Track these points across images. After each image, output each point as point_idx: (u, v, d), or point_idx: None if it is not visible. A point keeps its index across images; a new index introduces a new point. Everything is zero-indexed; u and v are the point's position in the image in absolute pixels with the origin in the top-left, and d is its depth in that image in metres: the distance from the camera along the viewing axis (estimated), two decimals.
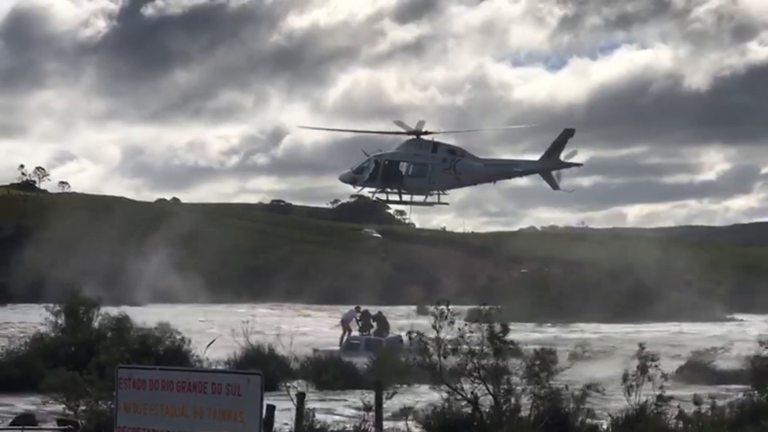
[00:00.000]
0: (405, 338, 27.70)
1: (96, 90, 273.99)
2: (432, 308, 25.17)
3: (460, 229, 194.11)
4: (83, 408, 26.01)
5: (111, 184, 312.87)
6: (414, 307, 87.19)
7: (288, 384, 33.09)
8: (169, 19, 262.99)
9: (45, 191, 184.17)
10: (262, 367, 32.76)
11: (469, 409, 25.26)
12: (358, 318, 61.07)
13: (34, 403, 33.62)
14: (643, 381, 24.18)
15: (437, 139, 55.81)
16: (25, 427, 27.61)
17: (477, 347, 24.98)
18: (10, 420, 30.75)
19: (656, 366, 24.44)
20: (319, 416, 25.59)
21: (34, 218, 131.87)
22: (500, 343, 24.97)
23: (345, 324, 61.66)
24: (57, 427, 26.31)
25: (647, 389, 24.54)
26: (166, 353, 39.57)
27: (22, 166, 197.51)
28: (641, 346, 24.84)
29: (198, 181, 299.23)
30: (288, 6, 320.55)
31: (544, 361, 25.29)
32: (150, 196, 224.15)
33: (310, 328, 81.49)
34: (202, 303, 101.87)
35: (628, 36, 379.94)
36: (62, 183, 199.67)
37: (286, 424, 23.28)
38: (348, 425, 25.64)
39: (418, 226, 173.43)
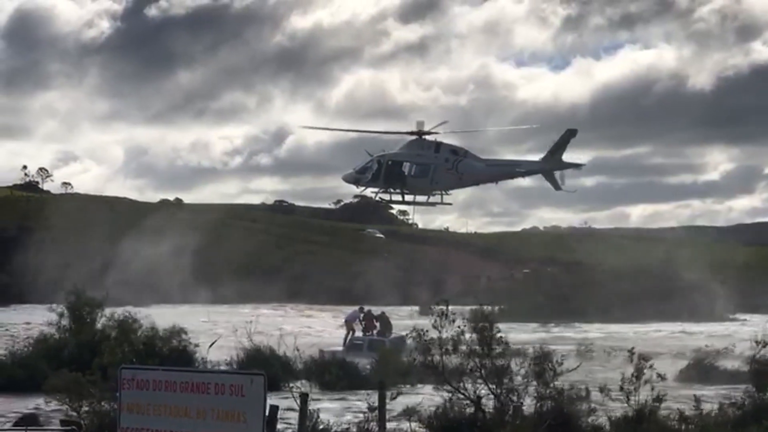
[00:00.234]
0: (409, 339, 27.66)
1: (99, 91, 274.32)
2: (434, 308, 25.20)
3: (463, 230, 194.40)
4: (86, 409, 26.01)
5: (114, 184, 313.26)
6: (417, 308, 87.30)
7: (291, 384, 33.12)
8: (172, 19, 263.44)
9: (48, 192, 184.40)
10: (265, 367, 32.74)
11: (471, 409, 25.27)
12: (361, 318, 61.05)
13: (38, 405, 33.64)
14: (640, 386, 24.14)
15: (440, 139, 55.82)
16: (29, 427, 27.62)
17: (477, 347, 25.02)
18: (14, 421, 30.79)
19: (651, 366, 24.39)
20: (322, 416, 25.56)
21: (36, 219, 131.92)
22: (491, 340, 25.03)
23: (348, 324, 61.64)
24: (60, 427, 26.32)
25: (648, 389, 24.51)
26: (172, 353, 39.61)
27: (25, 167, 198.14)
28: (630, 351, 24.78)
29: (201, 182, 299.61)
30: (291, 6, 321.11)
31: (546, 360, 25.27)
32: (153, 196, 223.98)
33: (313, 329, 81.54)
34: (204, 303, 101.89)
35: (631, 36, 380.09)
36: (65, 184, 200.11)
37: (291, 423, 23.29)
38: (352, 427, 25.60)
39: (421, 226, 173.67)
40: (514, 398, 25.01)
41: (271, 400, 16.57)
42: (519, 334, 64.63)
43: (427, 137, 55.45)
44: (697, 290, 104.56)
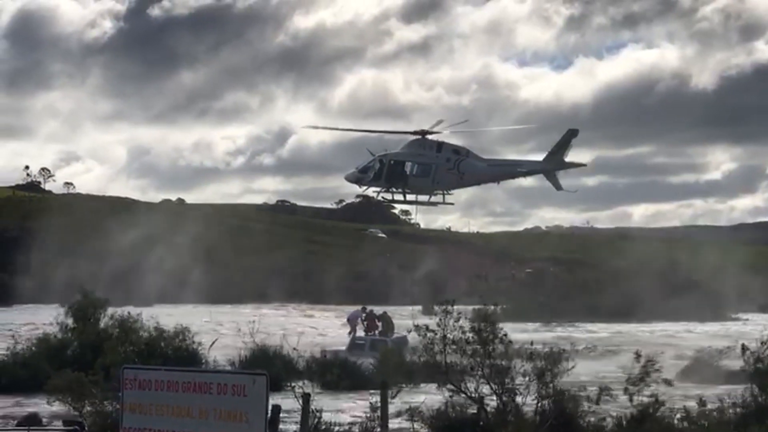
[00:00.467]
0: (411, 334, 27.64)
1: (102, 91, 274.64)
2: (437, 308, 25.20)
3: (465, 229, 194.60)
4: (89, 409, 26.03)
5: (116, 184, 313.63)
6: (419, 307, 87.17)
7: (292, 384, 33.08)
8: (175, 20, 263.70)
9: (50, 192, 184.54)
10: (268, 367, 32.75)
11: (474, 409, 25.26)
12: (363, 318, 61.07)
13: (39, 405, 33.66)
14: (642, 387, 24.12)
15: (442, 139, 55.82)
16: (31, 427, 27.65)
17: (478, 346, 25.01)
18: (16, 420, 30.81)
19: (656, 368, 24.38)
20: (325, 416, 25.56)
21: (38, 219, 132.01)
22: (494, 339, 25.03)
23: (351, 324, 61.69)
24: (62, 427, 26.34)
25: (651, 389, 24.49)
26: (175, 353, 39.62)
27: (27, 168, 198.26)
28: (637, 353, 24.78)
29: (203, 182, 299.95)
30: (294, 6, 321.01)
31: (556, 360, 25.22)
32: (155, 196, 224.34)
33: (315, 328, 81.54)
34: (207, 303, 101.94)
35: (634, 35, 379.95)
36: (67, 184, 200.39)
37: (296, 422, 23.26)
38: (354, 427, 25.60)
39: (423, 226, 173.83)
40: (516, 398, 25.00)
41: (274, 399, 16.58)
42: (520, 333, 64.59)
43: (429, 137, 55.48)
44: (699, 290, 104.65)
